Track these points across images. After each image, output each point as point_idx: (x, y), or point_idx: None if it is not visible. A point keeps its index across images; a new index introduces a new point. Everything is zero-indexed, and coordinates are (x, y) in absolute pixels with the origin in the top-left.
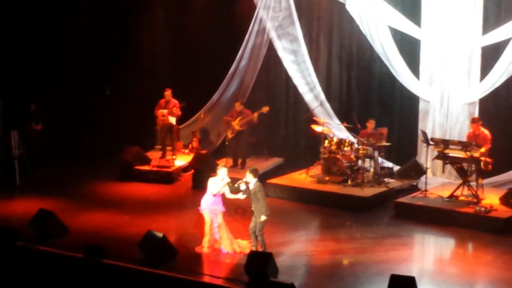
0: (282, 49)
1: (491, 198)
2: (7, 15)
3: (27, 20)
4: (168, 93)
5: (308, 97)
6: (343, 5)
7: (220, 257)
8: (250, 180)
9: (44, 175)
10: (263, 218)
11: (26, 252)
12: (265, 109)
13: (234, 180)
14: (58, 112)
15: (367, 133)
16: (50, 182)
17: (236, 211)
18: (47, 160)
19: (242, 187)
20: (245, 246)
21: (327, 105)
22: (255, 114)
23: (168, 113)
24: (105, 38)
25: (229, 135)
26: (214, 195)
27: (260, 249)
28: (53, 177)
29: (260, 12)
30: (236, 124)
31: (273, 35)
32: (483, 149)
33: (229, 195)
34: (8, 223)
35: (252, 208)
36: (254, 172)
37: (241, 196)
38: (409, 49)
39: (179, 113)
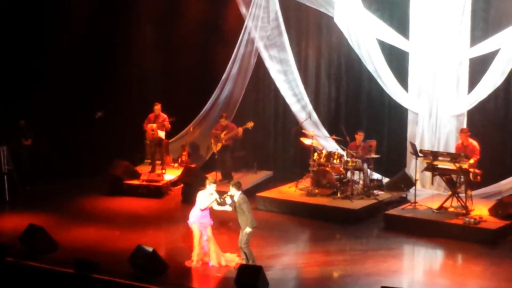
0: (270, 59)
1: (480, 210)
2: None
3: (15, 35)
4: (157, 107)
5: (296, 108)
6: (331, 18)
7: (210, 271)
8: (234, 193)
9: (34, 190)
10: (248, 230)
11: (15, 268)
12: (250, 124)
13: (221, 194)
14: (47, 127)
15: (356, 145)
16: (40, 197)
17: (225, 225)
18: (36, 175)
19: (228, 201)
20: (231, 259)
21: (316, 117)
22: (240, 129)
23: (158, 127)
24: (94, 53)
25: (215, 149)
26: (202, 210)
27: (246, 261)
28: (43, 193)
29: (249, 24)
30: (222, 138)
31: (260, 45)
32: (472, 160)
33: (217, 207)
34: None
35: (239, 221)
36: (237, 185)
37: (228, 208)
38: (398, 61)
39: (169, 127)
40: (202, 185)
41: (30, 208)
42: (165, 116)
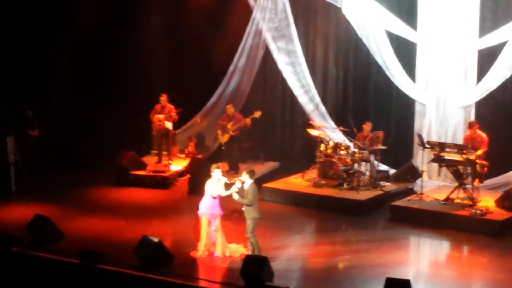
0: (278, 51)
1: (487, 201)
2: (2, 20)
3: (22, 25)
4: (163, 98)
5: (303, 100)
6: (339, 9)
7: (216, 262)
8: (246, 180)
9: (40, 181)
10: (252, 219)
11: (21, 258)
12: (257, 114)
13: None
14: (54, 118)
15: (363, 137)
16: (46, 188)
17: (231, 215)
18: (43, 166)
19: (238, 184)
20: (236, 250)
21: (323, 109)
22: (248, 119)
23: (165, 118)
24: (100, 43)
25: (222, 140)
26: (214, 198)
27: (252, 252)
28: (49, 183)
29: (256, 15)
30: (229, 128)
31: (268, 37)
32: (479, 152)
33: (224, 193)
34: (3, 229)
35: (244, 209)
36: (251, 172)
37: (234, 195)
38: (405, 52)
39: (176, 118)
40: (208, 176)
41: (36, 198)
42: (172, 106)
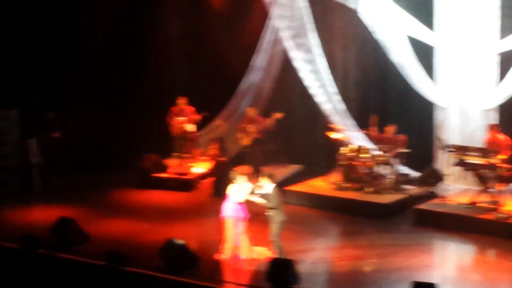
0: (297, 58)
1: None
2: (25, 21)
3: (44, 26)
4: (181, 101)
5: (324, 103)
6: (356, 12)
7: (241, 264)
8: (266, 184)
9: (63, 183)
10: (277, 222)
11: (47, 260)
12: (279, 115)
13: (252, 186)
14: (76, 120)
15: (386, 140)
16: (69, 190)
17: (256, 218)
18: (65, 168)
19: (259, 191)
20: (261, 253)
21: (345, 111)
22: (270, 121)
23: (186, 120)
24: (122, 46)
25: (244, 142)
26: (239, 203)
27: (275, 254)
28: (72, 185)
29: (274, 21)
30: (251, 131)
31: (287, 43)
32: (502, 156)
33: (252, 198)
34: (28, 231)
35: (267, 213)
36: (270, 176)
37: (261, 200)
38: (424, 54)
39: (198, 120)
40: (232, 179)
41: (60, 201)
42: (193, 108)
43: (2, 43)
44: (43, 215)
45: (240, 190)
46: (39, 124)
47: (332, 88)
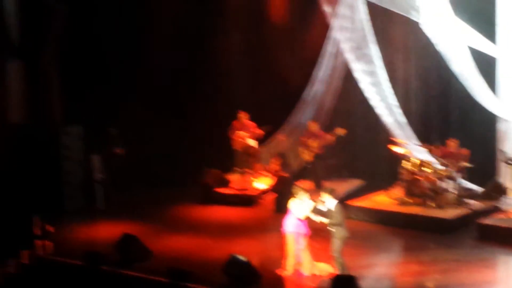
0: (358, 70)
1: None
2: (88, 40)
3: (107, 45)
4: (242, 115)
5: (386, 117)
6: (418, 24)
7: (304, 280)
8: (327, 200)
9: (126, 199)
10: (339, 238)
11: (110, 276)
12: (341, 131)
13: (313, 202)
14: (139, 136)
15: (448, 154)
16: (132, 206)
17: (318, 233)
18: (128, 184)
19: (321, 207)
20: (323, 269)
21: (406, 127)
22: (332, 137)
23: (248, 135)
24: (181, 61)
25: (306, 158)
26: (299, 219)
27: (337, 270)
28: (135, 201)
29: (335, 33)
30: (313, 146)
31: (349, 56)
32: None
33: (313, 217)
34: (92, 247)
35: (330, 229)
36: (332, 192)
37: (322, 219)
38: (485, 67)
39: (260, 135)
40: (293, 194)
41: (123, 217)
42: (254, 124)
43: (66, 59)
44: (106, 231)
45: (302, 205)
46: (103, 140)
47: (393, 100)
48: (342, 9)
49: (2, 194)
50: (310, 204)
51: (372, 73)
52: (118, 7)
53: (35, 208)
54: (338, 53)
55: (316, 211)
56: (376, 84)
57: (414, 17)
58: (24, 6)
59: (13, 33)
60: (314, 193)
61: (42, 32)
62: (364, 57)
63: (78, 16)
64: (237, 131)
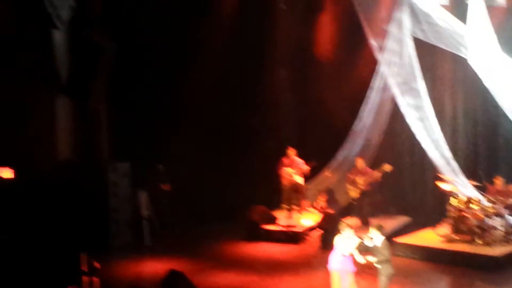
0: (406, 105)
1: None
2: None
3: (153, 86)
4: (291, 152)
5: (433, 154)
6: (466, 60)
7: None
8: (375, 236)
9: (172, 235)
10: (386, 275)
11: None
12: (388, 167)
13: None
14: (185, 172)
15: (496, 191)
16: (178, 242)
17: (364, 270)
18: (175, 220)
19: (368, 243)
20: None
21: (453, 163)
22: (378, 173)
23: (295, 172)
24: (231, 97)
25: (352, 195)
26: (345, 256)
27: None
28: (181, 237)
29: (383, 68)
30: (359, 183)
31: (396, 91)
32: None
33: (358, 258)
34: (138, 284)
35: (376, 265)
36: (379, 228)
37: (370, 258)
38: None
39: (307, 172)
40: (340, 230)
41: (169, 253)
42: (301, 161)
43: (114, 96)
44: (153, 267)
45: (347, 242)
46: (150, 177)
47: (440, 136)
48: (390, 44)
49: (50, 230)
50: (356, 240)
51: (419, 108)
52: (167, 45)
53: (83, 245)
54: (385, 88)
55: (363, 247)
56: (423, 119)
57: (462, 53)
58: (73, 45)
59: (62, 71)
60: (360, 230)
61: (91, 70)
62: (412, 92)
63: (127, 53)
64: (284, 168)
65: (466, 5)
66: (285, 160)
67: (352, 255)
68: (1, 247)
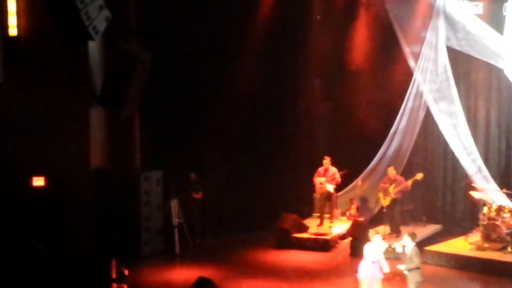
0: (439, 112)
1: None
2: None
3: (185, 95)
4: (326, 161)
5: (465, 162)
6: (501, 70)
7: None
8: (407, 243)
9: (203, 243)
10: (415, 283)
11: None
12: (419, 176)
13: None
14: (217, 180)
15: None
16: (209, 250)
17: (392, 278)
18: (206, 228)
19: (398, 249)
20: None
21: (486, 171)
22: (409, 182)
23: (327, 180)
24: (262, 107)
25: (383, 203)
26: (373, 262)
27: None
28: (212, 246)
29: (417, 77)
30: (391, 191)
31: (429, 98)
32: None
33: (385, 266)
34: None
35: (405, 273)
36: (412, 236)
37: (401, 266)
38: None
39: (339, 181)
40: (369, 238)
41: (200, 260)
42: (335, 169)
43: (147, 104)
44: (182, 275)
45: (376, 249)
46: (181, 185)
47: (472, 144)
48: (425, 51)
49: (82, 238)
50: (384, 247)
51: (452, 115)
52: (201, 56)
53: (113, 252)
54: (418, 95)
55: (393, 255)
56: (456, 126)
57: (497, 62)
58: (108, 54)
59: (97, 81)
60: (389, 237)
61: (125, 80)
62: (445, 99)
63: (161, 63)
64: (316, 177)
65: (503, 16)
66: (321, 170)
67: (379, 261)
68: (49, 263)
